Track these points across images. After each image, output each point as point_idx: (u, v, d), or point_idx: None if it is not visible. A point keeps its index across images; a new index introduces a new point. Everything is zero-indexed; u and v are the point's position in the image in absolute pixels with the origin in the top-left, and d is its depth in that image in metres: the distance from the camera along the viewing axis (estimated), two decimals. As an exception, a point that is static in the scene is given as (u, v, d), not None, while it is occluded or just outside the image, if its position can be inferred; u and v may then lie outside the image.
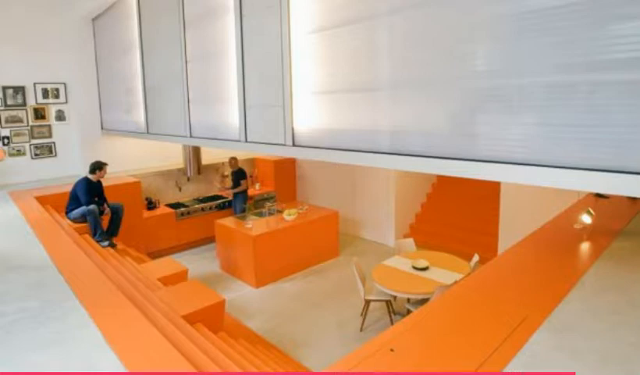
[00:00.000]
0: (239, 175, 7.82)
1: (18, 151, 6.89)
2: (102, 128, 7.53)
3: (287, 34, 3.41)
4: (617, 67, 1.76)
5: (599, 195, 5.13)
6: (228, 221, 6.96)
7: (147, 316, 2.82)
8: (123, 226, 6.19)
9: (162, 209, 7.68)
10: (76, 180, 5.91)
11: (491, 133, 2.22)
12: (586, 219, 4.11)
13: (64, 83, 7.18)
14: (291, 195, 9.48)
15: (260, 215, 7.25)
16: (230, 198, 8.10)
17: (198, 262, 7.17)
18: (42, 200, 5.94)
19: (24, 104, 6.87)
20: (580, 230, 4.06)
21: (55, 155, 7.20)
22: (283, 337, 4.92)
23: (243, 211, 7.57)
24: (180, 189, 8.29)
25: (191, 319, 3.36)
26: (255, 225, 6.63)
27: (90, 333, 2.56)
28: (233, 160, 7.85)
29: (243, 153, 8.65)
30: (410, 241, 5.84)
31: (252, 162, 9.40)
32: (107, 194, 6.11)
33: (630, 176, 1.76)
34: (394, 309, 5.16)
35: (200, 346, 2.74)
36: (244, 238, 6.38)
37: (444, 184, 8.60)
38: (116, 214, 6.04)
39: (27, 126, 6.93)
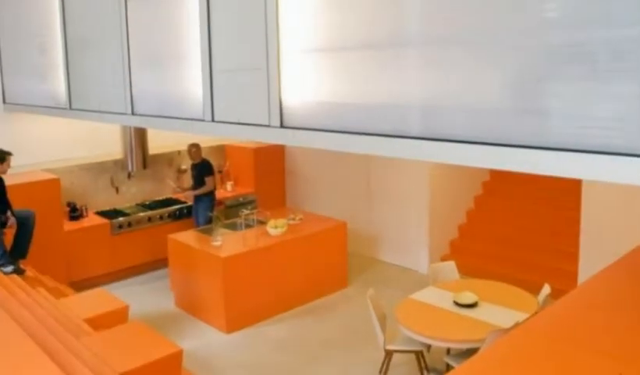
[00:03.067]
0: (202, 170, 7.81)
1: None
2: (4, 102, 7.52)
3: (273, -35, 3.41)
4: None
5: None
6: (187, 236, 6.93)
7: (69, 374, 2.81)
8: (35, 244, 6.16)
9: (91, 219, 7.66)
10: (-34, 176, 5.91)
11: (568, 110, 2.22)
12: None
13: (-51, 37, 7.18)
14: (278, 199, 9.47)
15: (233, 227, 7.24)
16: (190, 202, 8.09)
17: (144, 296, 7.17)
18: None
19: None
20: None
21: (-64, 141, 7.19)
22: (267, 405, 4.92)
23: (209, 221, 7.56)
24: (117, 190, 8.27)
25: (134, 378, 3.36)
26: (226, 242, 6.62)
27: (-14, 400, 2.55)
28: (194, 148, 7.84)
29: (208, 138, 8.64)
30: (451, 265, 5.83)
31: (222, 151, 9.38)
32: (12, 196, 6.09)
33: None
34: (427, 364, 5.15)
35: (147, 418, 2.74)
36: (210, 261, 6.37)
37: (500, 184, 8.58)
38: (25, 226, 6.02)
39: None
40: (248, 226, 7.18)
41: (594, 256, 6.07)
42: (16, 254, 5.95)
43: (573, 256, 6.73)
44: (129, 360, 3.49)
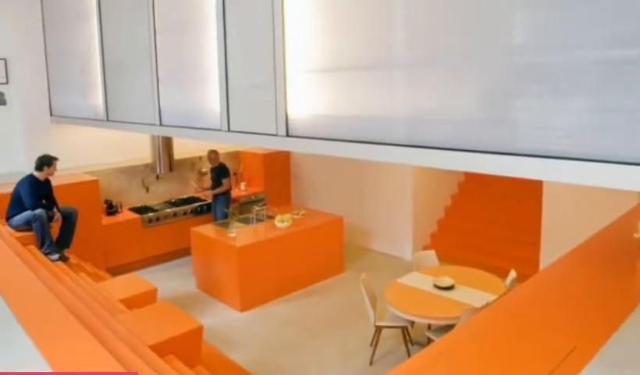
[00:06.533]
0: (220, 172, 7.82)
1: (-53, 142, 6.88)
2: (51, 114, 7.52)
3: (280, -2, 3.40)
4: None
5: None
6: (206, 229, 6.95)
7: (107, 346, 2.82)
8: (77, 236, 6.18)
9: (125, 214, 7.67)
10: (19, 178, 5.90)
11: (532, 121, 2.21)
12: (649, 226, 4.10)
13: (4, 60, 7.16)
14: (285, 197, 9.48)
15: (246, 221, 7.25)
16: (209, 200, 8.10)
17: (170, 280, 7.17)
18: (-23, 203, 5.94)
19: (-45, 84, 6.86)
20: (641, 241, 4.06)
21: (-7, 148, 7.18)
22: (274, 373, 4.91)
23: (226, 216, 7.57)
24: (148, 189, 8.28)
25: (161, 349, 3.36)
26: (240, 234, 6.63)
27: (36, 368, 2.55)
28: (213, 154, 7.85)
29: (225, 145, 8.64)
30: (432, 253, 5.85)
31: (236, 156, 9.38)
32: (57, 195, 6.10)
33: None
34: (411, 338, 5.16)
35: (173, 383, 2.74)
36: (227, 250, 6.38)
37: (473, 184, 8.58)
38: (69, 220, 6.04)
39: (-41, 111, 6.92)
40: (259, 220, 7.22)
41: (553, 246, 6.07)
42: (61, 244, 5.97)
43: (535, 246, 6.74)
44: (158, 334, 3.51)
